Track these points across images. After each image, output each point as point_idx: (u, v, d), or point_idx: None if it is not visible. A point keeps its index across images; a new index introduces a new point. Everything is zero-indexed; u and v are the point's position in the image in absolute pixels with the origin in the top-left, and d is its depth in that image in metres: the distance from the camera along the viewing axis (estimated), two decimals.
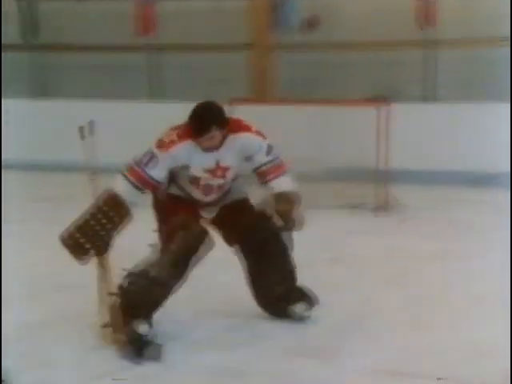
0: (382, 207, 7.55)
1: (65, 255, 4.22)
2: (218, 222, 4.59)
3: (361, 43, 9.29)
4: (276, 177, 4.50)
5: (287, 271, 4.63)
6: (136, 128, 8.25)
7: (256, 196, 4.66)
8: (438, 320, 4.70)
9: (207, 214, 4.60)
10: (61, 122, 8.94)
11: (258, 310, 4.68)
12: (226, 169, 4.44)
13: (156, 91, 10.27)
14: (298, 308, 4.64)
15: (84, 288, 4.37)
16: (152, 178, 4.31)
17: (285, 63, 9.67)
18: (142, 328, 4.21)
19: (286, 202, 4.47)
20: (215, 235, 4.51)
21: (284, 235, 4.58)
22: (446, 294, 5.19)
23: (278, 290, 4.59)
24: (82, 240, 4.18)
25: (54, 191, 8.48)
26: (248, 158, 4.47)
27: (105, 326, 4.26)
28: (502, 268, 5.48)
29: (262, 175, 4.51)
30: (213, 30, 9.91)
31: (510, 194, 7.37)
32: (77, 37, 10.35)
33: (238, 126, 4.44)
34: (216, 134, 4.29)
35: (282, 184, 4.51)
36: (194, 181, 4.45)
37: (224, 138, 4.35)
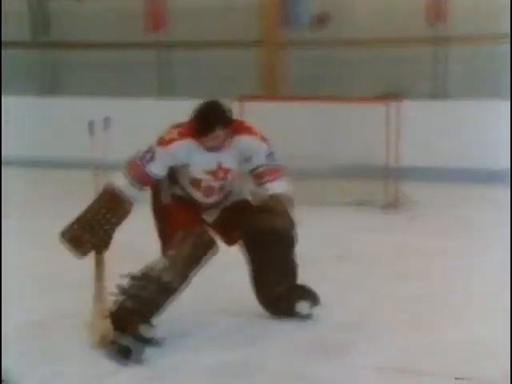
0: (391, 204, 7.52)
1: (64, 255, 4.23)
2: (219, 225, 4.58)
3: (370, 40, 9.26)
4: (272, 179, 4.49)
5: (288, 270, 4.60)
6: (145, 125, 8.24)
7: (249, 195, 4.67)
8: (450, 318, 4.68)
9: (209, 217, 4.59)
10: (70, 119, 8.98)
11: (261, 309, 4.66)
12: (227, 170, 4.43)
13: (165, 88, 10.26)
14: (301, 307, 4.62)
15: (85, 287, 4.36)
16: (151, 174, 4.30)
17: (295, 60, 9.66)
18: (150, 332, 4.24)
19: (277, 203, 4.44)
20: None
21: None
22: (455, 291, 5.16)
23: (278, 289, 4.57)
24: (80, 234, 4.18)
25: (64, 187, 8.49)
26: (247, 159, 4.46)
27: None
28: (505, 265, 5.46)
29: (258, 177, 4.50)
30: (223, 28, 9.90)
31: (510, 191, 7.38)
32: (86, 34, 10.36)
33: (241, 129, 4.43)
34: (220, 133, 4.27)
35: (277, 187, 4.49)
36: (195, 182, 4.43)
37: (227, 139, 4.33)
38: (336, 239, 6.43)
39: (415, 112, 8.08)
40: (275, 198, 4.46)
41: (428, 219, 7.12)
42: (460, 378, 3.85)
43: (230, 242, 4.57)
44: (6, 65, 9.70)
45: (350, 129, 8.59)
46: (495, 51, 8.83)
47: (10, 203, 7.32)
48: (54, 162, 9.44)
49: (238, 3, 9.98)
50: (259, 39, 9.76)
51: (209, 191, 4.48)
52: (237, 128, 4.39)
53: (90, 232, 4.20)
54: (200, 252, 4.31)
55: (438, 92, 9.21)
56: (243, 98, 7.52)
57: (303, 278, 4.65)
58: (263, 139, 4.48)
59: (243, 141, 4.40)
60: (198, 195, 4.49)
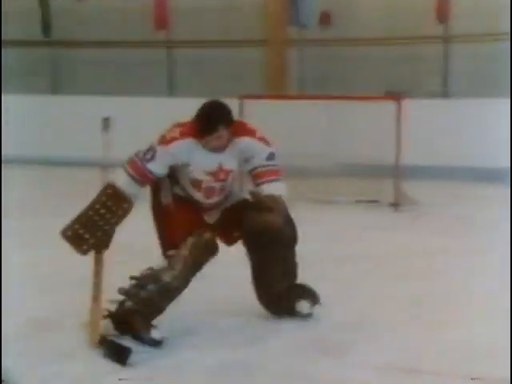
0: (397, 203, 7.51)
1: (64, 255, 4.23)
2: (219, 225, 4.57)
3: (375, 39, 9.26)
4: (270, 181, 4.46)
5: (288, 269, 4.59)
6: (150, 123, 8.25)
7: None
8: (451, 318, 4.67)
9: (210, 219, 4.58)
10: (70, 119, 9.00)
11: (261, 309, 4.65)
12: (228, 172, 4.43)
13: (170, 87, 10.28)
14: (301, 306, 4.61)
15: (85, 287, 4.35)
16: (150, 172, 4.31)
17: (304, 58, 9.68)
18: (150, 332, 4.24)
19: (275, 203, 4.44)
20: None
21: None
22: (455, 291, 5.16)
23: (278, 288, 4.56)
24: (81, 231, 4.19)
25: (67, 186, 8.50)
26: (247, 160, 4.45)
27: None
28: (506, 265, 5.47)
29: (257, 177, 4.47)
30: (228, 27, 9.92)
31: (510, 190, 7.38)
32: (88, 33, 10.38)
33: (243, 130, 4.43)
34: (223, 133, 4.28)
35: (273, 189, 4.46)
36: (196, 183, 4.43)
37: (230, 140, 4.34)
38: (342, 238, 6.46)
39: (421, 110, 8.10)
40: (273, 198, 4.44)
41: (430, 218, 7.14)
42: (475, 379, 3.83)
43: (229, 242, 4.57)
44: (17, 64, 9.74)
45: (357, 127, 8.62)
46: (497, 50, 8.82)
47: (10, 202, 7.32)
48: (55, 160, 9.46)
49: (243, 3, 10.01)
50: (265, 38, 9.76)
51: (209, 192, 4.47)
52: (238, 129, 4.39)
53: (90, 232, 4.20)
54: (200, 253, 4.31)
55: (445, 90, 9.21)
56: (244, 97, 7.53)
57: (302, 277, 4.63)
58: (265, 141, 4.47)
59: (245, 142, 4.39)
60: (198, 196, 4.49)
